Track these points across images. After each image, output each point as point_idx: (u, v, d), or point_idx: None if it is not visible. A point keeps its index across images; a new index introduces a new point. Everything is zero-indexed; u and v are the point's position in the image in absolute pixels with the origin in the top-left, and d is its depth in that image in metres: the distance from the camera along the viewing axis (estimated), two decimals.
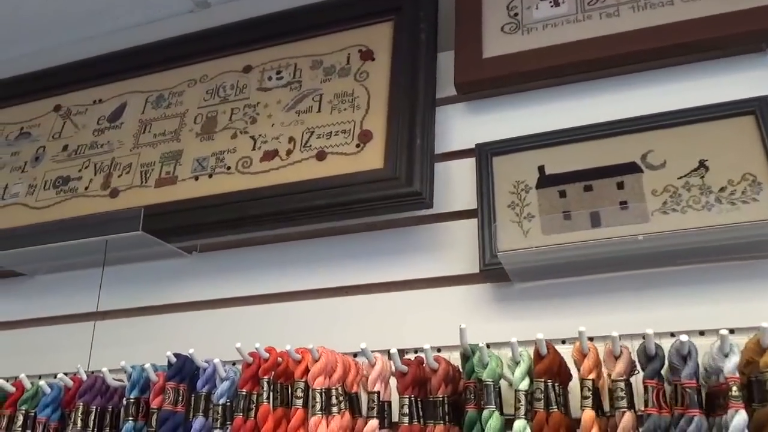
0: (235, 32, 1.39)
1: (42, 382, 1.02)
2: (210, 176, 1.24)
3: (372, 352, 0.92)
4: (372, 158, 1.14)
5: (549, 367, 0.82)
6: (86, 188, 1.33)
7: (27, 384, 1.03)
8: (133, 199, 1.28)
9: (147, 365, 0.97)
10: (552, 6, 1.17)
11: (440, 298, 1.09)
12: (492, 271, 1.02)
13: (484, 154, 1.11)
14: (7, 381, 1.17)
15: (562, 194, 1.04)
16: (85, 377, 1.01)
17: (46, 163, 1.41)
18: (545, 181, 1.06)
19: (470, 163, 1.15)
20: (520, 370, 0.83)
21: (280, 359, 0.94)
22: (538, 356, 0.83)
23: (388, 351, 0.92)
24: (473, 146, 1.14)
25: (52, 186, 1.37)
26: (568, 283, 1.03)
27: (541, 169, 1.07)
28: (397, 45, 1.24)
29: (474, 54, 1.17)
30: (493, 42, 1.17)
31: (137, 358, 1.19)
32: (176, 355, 0.97)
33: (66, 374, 1.17)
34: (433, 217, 1.14)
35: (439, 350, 1.04)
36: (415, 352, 1.05)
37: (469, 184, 1.13)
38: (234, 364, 1.07)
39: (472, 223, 1.10)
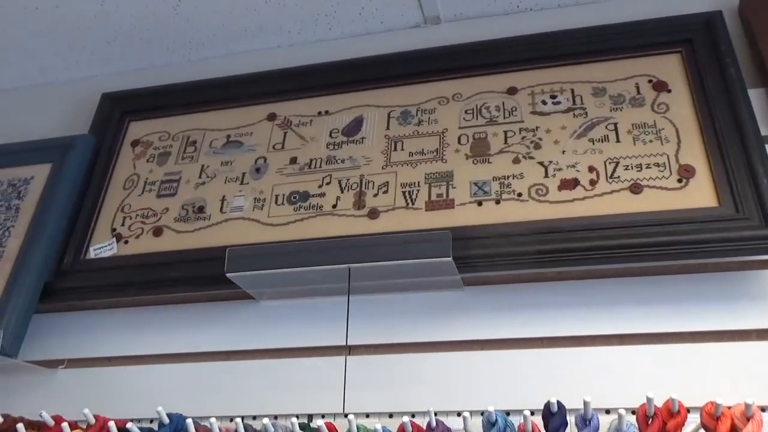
0: (489, 51, 1.29)
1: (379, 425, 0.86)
2: (497, 202, 1.12)
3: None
4: (701, 196, 1.05)
5: None
6: (334, 206, 1.19)
7: (353, 427, 0.87)
8: (399, 222, 1.15)
9: (526, 411, 0.83)
10: None
11: None
12: None
13: None
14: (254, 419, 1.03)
15: None
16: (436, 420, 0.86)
17: (271, 175, 1.27)
18: None
19: None
20: None
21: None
22: None
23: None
24: None
25: (286, 201, 1.22)
26: None
27: None
28: (696, 78, 1.17)
29: None
30: None
31: (398, 400, 1.06)
32: (552, 402, 0.84)
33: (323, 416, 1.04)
34: (760, 263, 1.05)
35: None
36: None
37: None
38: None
39: None
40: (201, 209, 1.25)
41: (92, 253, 1.26)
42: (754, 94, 1.15)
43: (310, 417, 1.11)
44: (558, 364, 1.06)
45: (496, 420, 0.84)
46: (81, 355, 1.25)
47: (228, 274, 1.08)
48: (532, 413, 0.84)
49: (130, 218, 1.29)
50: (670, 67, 1.20)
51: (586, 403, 0.82)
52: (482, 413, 0.88)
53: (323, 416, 1.10)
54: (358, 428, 0.87)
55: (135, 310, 1.26)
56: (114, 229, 1.28)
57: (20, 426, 0.97)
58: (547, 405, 0.84)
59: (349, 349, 1.15)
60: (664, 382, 1.00)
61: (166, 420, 0.94)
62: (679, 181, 1.07)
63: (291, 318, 1.19)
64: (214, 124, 1.38)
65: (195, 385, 1.17)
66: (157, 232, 1.25)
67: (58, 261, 1.25)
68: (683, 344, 1.04)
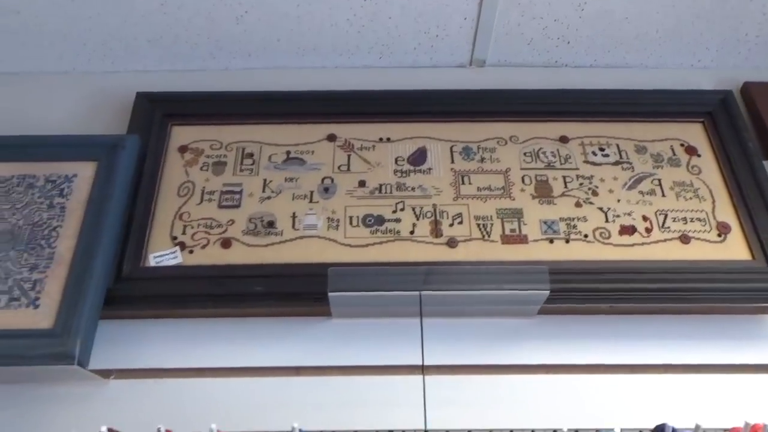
0: (541, 99, 1.43)
1: None
2: (567, 241, 1.25)
3: None
4: (737, 250, 1.25)
5: None
6: (411, 232, 1.26)
7: None
8: (477, 252, 1.24)
9: None
10: None
11: None
12: None
13: None
14: None
15: None
16: None
17: (341, 197, 1.31)
18: None
19: None
20: None
21: None
22: None
23: None
24: None
25: (361, 223, 1.27)
26: None
27: None
28: (719, 147, 1.37)
29: None
30: None
31: (476, 418, 1.15)
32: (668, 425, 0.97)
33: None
34: None
35: None
36: None
37: None
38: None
39: None
40: (271, 224, 1.26)
41: (152, 261, 1.22)
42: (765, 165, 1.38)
43: None
44: (614, 389, 1.19)
45: None
46: (134, 365, 1.20)
47: (330, 294, 1.11)
48: None
49: (192, 227, 1.26)
50: (696, 134, 1.40)
51: (697, 426, 0.96)
52: None
53: None
54: None
55: (192, 321, 1.23)
56: (175, 237, 1.25)
57: None
58: (662, 427, 0.97)
59: (422, 369, 1.22)
60: (704, 407, 1.17)
61: None
62: (719, 235, 1.26)
63: (364, 336, 1.22)
64: (271, 138, 1.38)
65: (259, 400, 1.17)
66: (226, 243, 1.24)
67: (117, 267, 1.20)
68: (715, 374, 1.21)
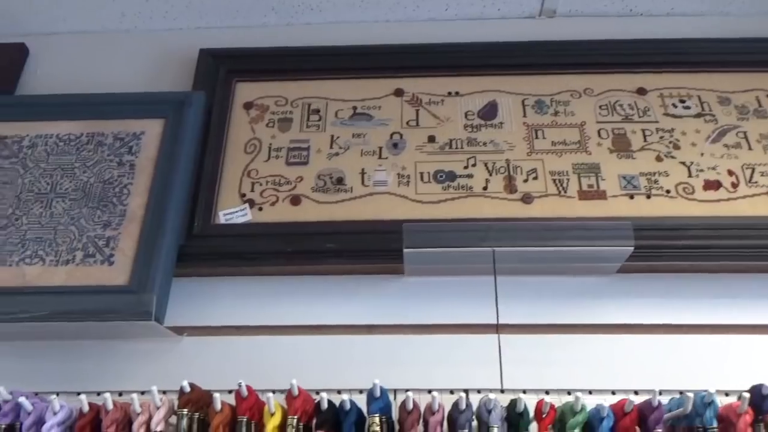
0: (618, 50, 1.36)
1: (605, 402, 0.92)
2: (648, 197, 1.20)
3: None
4: None
5: None
6: (484, 188, 1.22)
7: (578, 404, 0.92)
8: (553, 208, 1.20)
9: (689, 394, 0.91)
10: None
11: None
12: None
13: None
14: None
15: None
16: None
17: (411, 152, 1.27)
18: None
19: None
20: None
21: None
22: None
23: None
24: None
25: (433, 179, 1.24)
26: None
27: None
28: None
29: None
30: None
31: (554, 377, 1.12)
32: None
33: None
34: None
35: None
36: None
37: None
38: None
39: None
40: (340, 180, 1.24)
41: (222, 218, 1.21)
42: None
43: (466, 392, 1.14)
44: (698, 349, 1.15)
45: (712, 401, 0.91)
46: (207, 322, 1.20)
47: (405, 250, 1.08)
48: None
49: (260, 184, 1.25)
50: None
51: None
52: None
53: (479, 391, 1.13)
54: (582, 406, 0.92)
55: (264, 279, 1.22)
56: (243, 195, 1.24)
57: (216, 395, 0.94)
58: (759, 387, 0.93)
59: (496, 328, 1.19)
60: None
61: (378, 393, 0.94)
62: None
63: (437, 294, 1.20)
64: (337, 93, 1.35)
65: (332, 358, 1.16)
66: (295, 200, 1.22)
67: (188, 224, 1.19)
68: None
